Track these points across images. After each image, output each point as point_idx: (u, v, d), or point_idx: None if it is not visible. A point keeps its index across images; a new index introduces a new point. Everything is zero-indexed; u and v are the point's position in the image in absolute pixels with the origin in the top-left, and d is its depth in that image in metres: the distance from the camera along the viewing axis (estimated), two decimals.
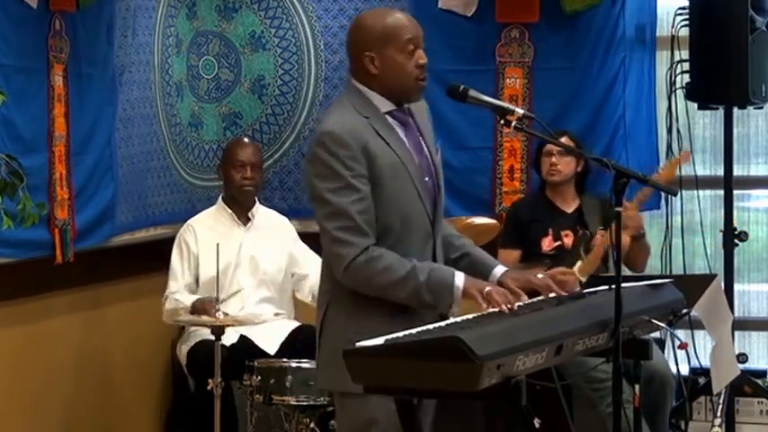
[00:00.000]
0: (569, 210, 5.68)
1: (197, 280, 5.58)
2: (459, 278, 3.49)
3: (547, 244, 5.60)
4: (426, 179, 3.63)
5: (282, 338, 5.50)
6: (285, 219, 5.89)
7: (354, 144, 3.48)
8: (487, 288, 3.49)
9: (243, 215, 5.73)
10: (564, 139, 5.49)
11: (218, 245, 5.18)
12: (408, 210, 3.56)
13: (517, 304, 3.57)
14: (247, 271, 5.63)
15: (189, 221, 5.73)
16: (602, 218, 5.57)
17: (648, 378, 5.20)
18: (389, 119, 3.61)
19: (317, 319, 3.65)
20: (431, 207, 3.63)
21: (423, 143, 3.67)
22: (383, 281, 3.47)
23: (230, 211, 5.72)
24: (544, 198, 5.72)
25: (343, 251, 3.47)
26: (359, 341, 3.20)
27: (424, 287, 3.46)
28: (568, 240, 5.60)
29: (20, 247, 4.88)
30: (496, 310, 3.45)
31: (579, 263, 5.39)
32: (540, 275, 3.74)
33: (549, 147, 5.59)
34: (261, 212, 5.79)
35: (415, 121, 3.67)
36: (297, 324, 5.64)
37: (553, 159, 5.62)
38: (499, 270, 3.69)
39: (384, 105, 3.61)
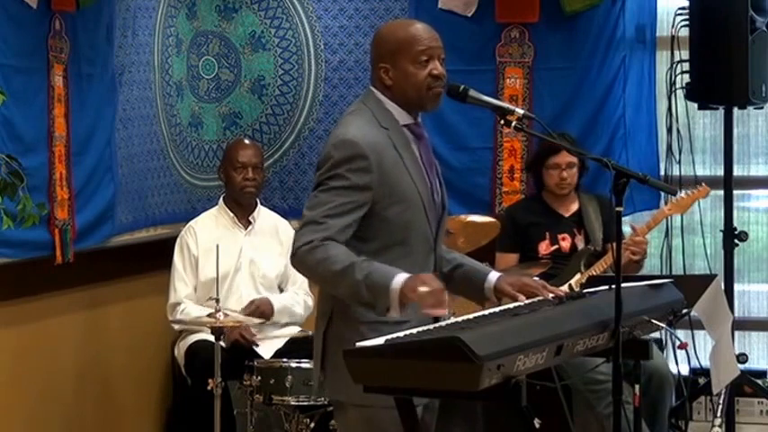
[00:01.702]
0: (567, 213, 5.67)
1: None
2: (398, 281, 3.35)
3: (544, 248, 5.59)
4: (435, 197, 3.64)
5: (279, 346, 5.49)
6: (286, 222, 5.88)
7: (372, 156, 3.48)
8: (422, 288, 3.31)
9: (244, 217, 5.73)
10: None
11: (218, 246, 5.17)
12: (413, 229, 3.56)
13: (516, 305, 3.59)
14: (247, 274, 5.63)
15: (190, 223, 5.73)
16: (602, 220, 5.57)
17: (647, 377, 5.20)
18: (406, 132, 3.61)
19: (320, 325, 3.61)
20: (435, 225, 3.63)
21: (434, 159, 3.69)
22: (321, 271, 3.42)
23: (231, 213, 5.71)
24: (541, 202, 5.71)
25: (298, 238, 3.45)
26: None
27: (362, 285, 3.36)
28: (566, 244, 5.59)
29: (20, 247, 4.88)
30: (493, 310, 3.44)
31: (578, 275, 5.40)
32: (535, 278, 3.74)
33: (557, 160, 5.56)
34: (262, 215, 5.79)
35: (425, 136, 3.68)
36: (297, 330, 5.64)
37: (564, 174, 5.58)
38: (494, 276, 3.69)
39: (402, 118, 3.61)
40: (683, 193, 5.56)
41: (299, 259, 3.46)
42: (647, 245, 5.48)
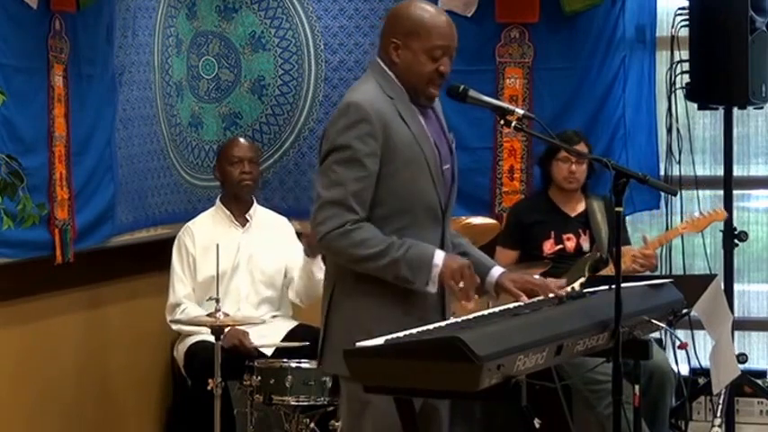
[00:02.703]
0: (573, 213, 5.66)
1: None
2: (439, 257, 3.47)
3: (548, 247, 5.59)
4: (446, 167, 3.64)
5: (277, 341, 5.48)
6: (284, 218, 5.89)
7: (377, 121, 3.50)
8: (461, 284, 3.45)
9: (241, 216, 5.73)
10: (581, 145, 5.50)
11: (218, 245, 5.18)
12: (419, 195, 3.57)
13: (516, 305, 3.59)
14: (245, 272, 5.63)
15: (187, 224, 5.73)
16: (608, 221, 5.56)
17: (648, 376, 5.21)
18: (411, 105, 3.62)
19: (323, 302, 3.64)
20: (444, 195, 3.63)
21: (443, 131, 3.70)
22: (355, 252, 3.47)
23: (228, 212, 5.72)
24: (547, 200, 5.70)
25: (325, 221, 3.47)
26: (367, 326, 3.27)
27: (402, 260, 3.45)
28: (571, 244, 5.58)
29: (20, 247, 4.88)
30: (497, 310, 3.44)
31: (582, 279, 5.39)
32: (537, 276, 3.74)
33: (567, 153, 5.57)
34: (259, 213, 5.79)
35: (434, 111, 3.70)
36: (294, 324, 5.63)
37: (573, 168, 5.57)
38: (497, 271, 3.70)
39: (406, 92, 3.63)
40: (697, 214, 5.58)
41: (330, 242, 3.48)
42: (656, 260, 5.49)
